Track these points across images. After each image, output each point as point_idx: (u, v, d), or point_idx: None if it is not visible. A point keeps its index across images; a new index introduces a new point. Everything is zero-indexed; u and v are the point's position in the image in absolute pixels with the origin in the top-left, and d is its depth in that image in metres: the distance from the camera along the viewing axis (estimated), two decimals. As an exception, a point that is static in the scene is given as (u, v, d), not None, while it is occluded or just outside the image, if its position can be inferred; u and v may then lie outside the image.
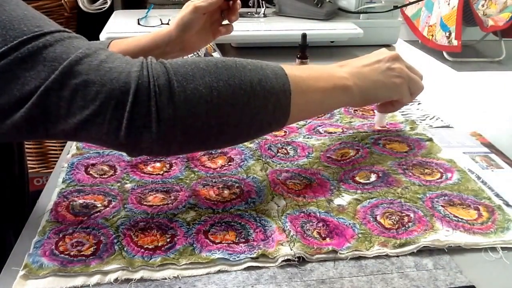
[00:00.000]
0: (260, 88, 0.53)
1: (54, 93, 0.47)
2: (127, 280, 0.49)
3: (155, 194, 0.63)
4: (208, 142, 0.54)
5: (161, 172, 0.68)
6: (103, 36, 1.14)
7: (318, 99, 0.61)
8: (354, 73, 0.64)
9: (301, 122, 0.84)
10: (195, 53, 1.05)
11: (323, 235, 0.55)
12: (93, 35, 1.14)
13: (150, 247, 0.53)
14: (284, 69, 0.57)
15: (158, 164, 0.70)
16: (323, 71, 0.62)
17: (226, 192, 0.64)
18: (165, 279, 0.49)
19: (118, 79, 0.47)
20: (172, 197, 0.62)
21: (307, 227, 0.56)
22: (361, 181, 0.66)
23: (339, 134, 0.80)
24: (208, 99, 0.50)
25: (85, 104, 0.47)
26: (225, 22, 0.83)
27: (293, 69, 0.58)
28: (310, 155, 0.74)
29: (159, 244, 0.53)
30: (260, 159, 0.72)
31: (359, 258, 0.52)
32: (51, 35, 0.49)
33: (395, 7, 1.32)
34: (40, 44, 0.47)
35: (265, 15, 1.38)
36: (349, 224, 0.57)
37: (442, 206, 0.60)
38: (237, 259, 0.51)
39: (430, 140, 0.77)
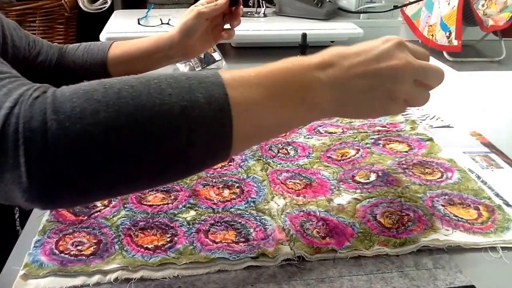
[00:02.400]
0: (184, 119, 0.40)
1: None
2: (127, 280, 0.49)
3: (155, 193, 0.63)
4: (117, 190, 0.42)
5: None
6: (103, 36, 1.14)
7: (276, 122, 0.46)
8: (337, 84, 0.47)
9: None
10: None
11: (322, 234, 0.55)
12: (93, 35, 1.14)
13: (150, 246, 0.53)
14: (226, 88, 0.42)
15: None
16: (289, 80, 0.46)
17: (226, 191, 0.64)
18: (165, 278, 0.49)
19: None
20: (172, 197, 0.62)
21: (307, 226, 0.56)
22: (361, 180, 0.66)
23: (340, 134, 0.80)
24: (102, 141, 0.37)
25: None
26: (227, 26, 0.83)
27: (244, 84, 0.44)
28: (310, 155, 0.74)
29: (159, 244, 0.53)
30: (260, 160, 0.72)
31: (358, 257, 0.52)
32: None
33: (395, 7, 1.32)
34: None
35: (265, 15, 1.38)
36: (349, 223, 0.57)
37: (442, 205, 0.60)
38: (237, 258, 0.51)
39: (431, 140, 0.78)
